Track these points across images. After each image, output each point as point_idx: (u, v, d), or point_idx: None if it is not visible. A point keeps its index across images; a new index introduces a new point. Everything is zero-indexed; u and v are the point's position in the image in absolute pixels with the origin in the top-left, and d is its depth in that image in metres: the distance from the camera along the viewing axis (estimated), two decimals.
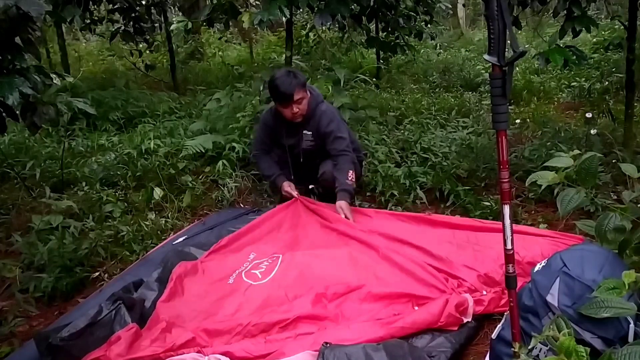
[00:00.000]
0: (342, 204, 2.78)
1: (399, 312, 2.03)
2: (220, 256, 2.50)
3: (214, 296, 2.17)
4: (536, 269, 1.66)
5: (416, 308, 2.03)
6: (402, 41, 6.11)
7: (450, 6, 8.28)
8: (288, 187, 3.02)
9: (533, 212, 2.96)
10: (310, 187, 3.17)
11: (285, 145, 3.07)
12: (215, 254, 2.52)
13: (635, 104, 3.70)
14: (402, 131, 4.20)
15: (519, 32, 5.63)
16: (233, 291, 2.20)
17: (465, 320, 1.95)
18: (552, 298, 1.51)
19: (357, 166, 3.10)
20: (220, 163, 3.46)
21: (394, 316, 1.98)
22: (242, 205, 3.31)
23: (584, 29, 3.23)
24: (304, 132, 3.01)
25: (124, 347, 1.81)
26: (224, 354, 1.82)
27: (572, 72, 6.10)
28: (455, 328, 1.92)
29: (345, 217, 2.71)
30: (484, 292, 2.09)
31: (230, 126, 3.90)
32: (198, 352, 1.85)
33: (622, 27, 3.81)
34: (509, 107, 4.16)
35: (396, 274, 2.25)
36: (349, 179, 2.86)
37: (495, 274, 2.16)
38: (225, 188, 3.35)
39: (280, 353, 1.81)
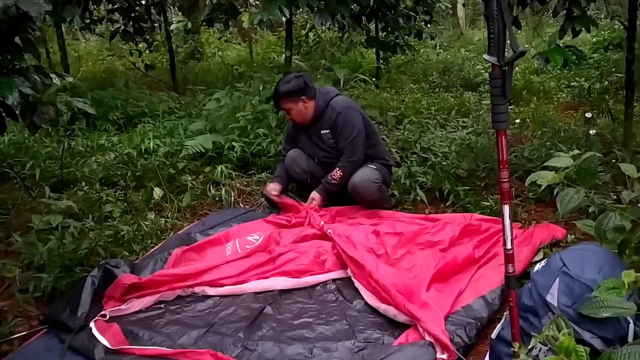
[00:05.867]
0: (314, 195, 2.94)
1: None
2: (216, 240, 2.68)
3: (213, 263, 2.40)
4: (536, 268, 1.67)
5: None
6: (401, 41, 6.11)
7: (450, 6, 8.27)
8: (272, 189, 3.09)
9: (533, 212, 2.96)
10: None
11: (307, 152, 3.09)
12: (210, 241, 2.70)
13: (635, 104, 3.69)
14: (401, 131, 4.19)
15: (519, 32, 5.63)
16: (231, 256, 2.48)
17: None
18: (552, 298, 1.52)
19: (384, 171, 3.02)
20: (220, 168, 3.46)
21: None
22: (242, 205, 3.31)
23: (583, 28, 3.23)
24: (322, 131, 2.99)
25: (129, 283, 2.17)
26: (209, 283, 2.24)
27: (572, 72, 6.10)
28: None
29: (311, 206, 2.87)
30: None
31: (230, 126, 3.90)
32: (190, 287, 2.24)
33: (622, 27, 3.81)
34: (509, 107, 4.16)
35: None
36: (334, 177, 2.91)
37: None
38: (225, 188, 3.35)
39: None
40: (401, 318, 1.92)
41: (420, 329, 1.82)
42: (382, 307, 1.99)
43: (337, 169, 2.91)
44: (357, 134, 2.89)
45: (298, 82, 2.90)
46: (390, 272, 2.15)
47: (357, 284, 2.19)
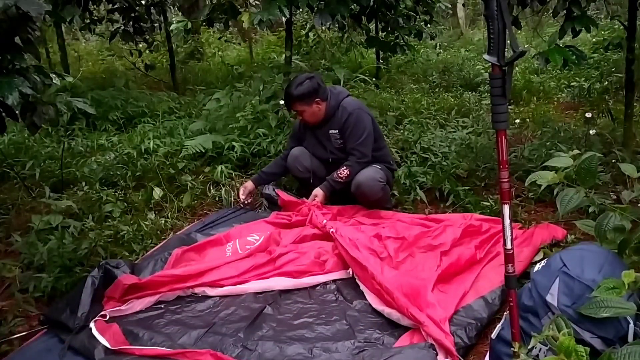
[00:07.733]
0: (317, 192, 2.92)
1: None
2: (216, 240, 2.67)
3: (213, 264, 2.39)
4: (536, 268, 1.67)
5: None
6: (401, 41, 6.11)
7: (450, 6, 8.28)
8: (243, 188, 3.14)
9: (533, 212, 2.96)
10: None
11: (312, 152, 3.09)
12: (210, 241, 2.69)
13: (635, 104, 3.69)
14: (401, 131, 4.19)
15: (519, 32, 5.63)
16: (232, 256, 2.47)
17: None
18: (552, 298, 1.52)
19: (388, 172, 3.02)
20: (220, 168, 3.46)
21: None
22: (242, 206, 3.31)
23: (583, 28, 3.22)
24: (330, 131, 2.99)
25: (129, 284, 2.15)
26: (210, 284, 2.24)
27: (572, 72, 6.10)
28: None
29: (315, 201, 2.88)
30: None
31: (230, 126, 3.90)
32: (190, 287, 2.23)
33: (622, 27, 3.81)
34: (509, 107, 4.16)
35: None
36: (341, 175, 2.89)
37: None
38: (225, 188, 3.35)
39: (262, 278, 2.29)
40: (405, 322, 1.91)
41: (423, 333, 1.82)
42: (387, 311, 1.99)
43: (345, 167, 2.90)
44: (367, 136, 2.91)
45: (312, 83, 2.88)
46: (394, 274, 2.15)
47: (362, 286, 2.18)
